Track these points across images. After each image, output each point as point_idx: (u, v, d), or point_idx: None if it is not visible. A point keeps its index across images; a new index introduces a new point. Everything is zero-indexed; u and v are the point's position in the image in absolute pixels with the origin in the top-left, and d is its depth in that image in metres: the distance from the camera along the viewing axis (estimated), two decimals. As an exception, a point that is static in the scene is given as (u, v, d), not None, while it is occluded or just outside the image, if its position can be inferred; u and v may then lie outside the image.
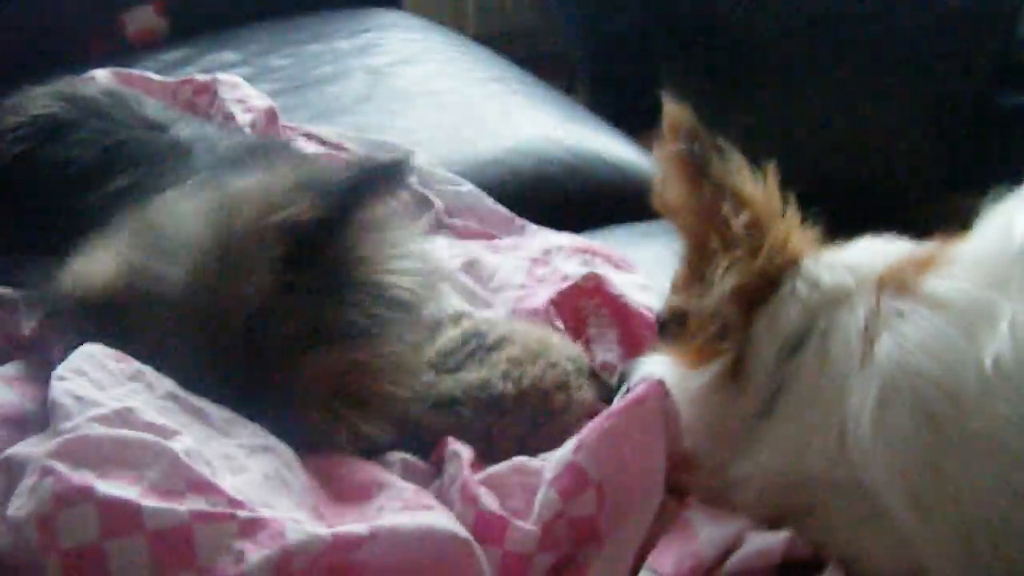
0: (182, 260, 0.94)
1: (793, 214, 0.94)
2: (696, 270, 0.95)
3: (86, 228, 1.06)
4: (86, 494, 0.77)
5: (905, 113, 2.29)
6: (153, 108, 1.29)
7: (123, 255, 0.97)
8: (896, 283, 0.87)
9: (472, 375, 1.02)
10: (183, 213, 0.99)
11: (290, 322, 0.92)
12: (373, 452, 0.97)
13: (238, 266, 0.92)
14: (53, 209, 1.16)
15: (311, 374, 0.93)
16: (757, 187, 0.93)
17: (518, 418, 1.01)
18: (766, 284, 0.91)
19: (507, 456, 0.96)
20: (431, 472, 0.98)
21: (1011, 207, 0.88)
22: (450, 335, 1.07)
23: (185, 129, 1.27)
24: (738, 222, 0.91)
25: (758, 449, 0.89)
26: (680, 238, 0.98)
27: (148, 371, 0.90)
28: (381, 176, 0.97)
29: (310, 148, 1.51)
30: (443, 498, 0.92)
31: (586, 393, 1.05)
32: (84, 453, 0.79)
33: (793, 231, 0.93)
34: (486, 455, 0.97)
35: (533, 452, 0.97)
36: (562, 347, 1.07)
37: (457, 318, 1.10)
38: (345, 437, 0.95)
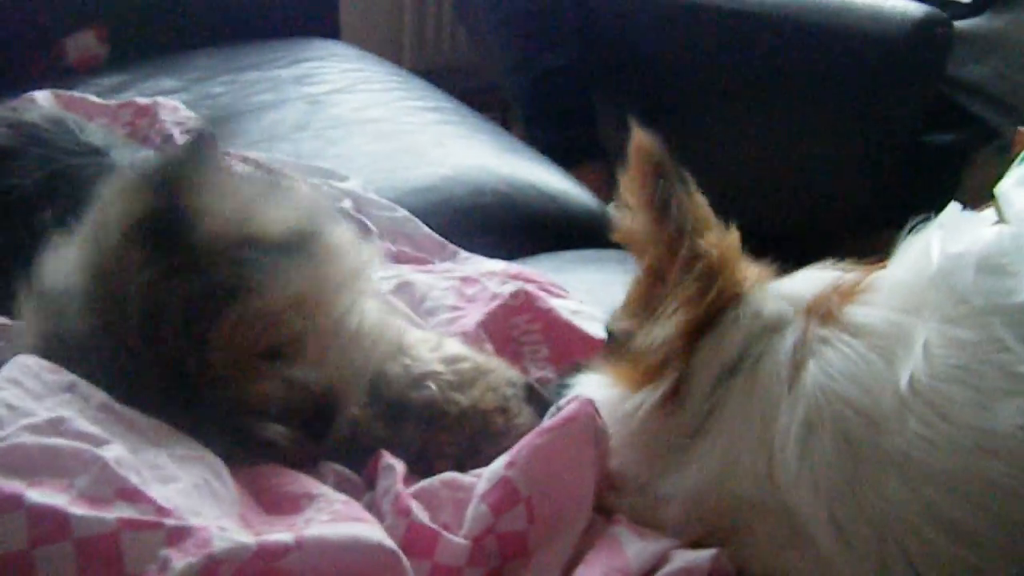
0: (77, 310, 0.96)
1: (747, 256, 0.95)
2: (648, 297, 0.96)
3: (27, 255, 1.06)
4: (16, 502, 0.76)
5: (838, 152, 2.32)
6: (94, 134, 1.29)
7: (35, 329, 0.99)
8: (822, 311, 0.88)
9: (415, 392, 1.02)
10: (62, 266, 1.00)
11: (179, 305, 0.93)
12: (309, 461, 0.98)
13: (119, 285, 0.93)
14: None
15: (220, 342, 0.94)
16: (717, 229, 0.94)
17: (457, 436, 1.01)
18: (712, 316, 0.92)
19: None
20: (363, 485, 0.98)
21: (927, 235, 0.90)
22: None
23: (123, 154, 1.27)
24: (693, 266, 0.92)
25: (688, 468, 0.90)
26: (636, 262, 0.99)
27: (82, 383, 0.90)
28: (195, 143, 0.98)
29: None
30: (375, 510, 0.92)
31: (524, 419, 1.05)
32: (16, 462, 0.79)
33: (746, 272, 0.94)
34: (422, 471, 0.98)
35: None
36: (502, 372, 1.08)
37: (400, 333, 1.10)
38: (279, 388, 0.95)
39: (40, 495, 0.77)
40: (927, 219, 0.92)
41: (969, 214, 0.93)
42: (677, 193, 0.93)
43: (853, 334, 0.86)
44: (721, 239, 0.93)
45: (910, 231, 0.92)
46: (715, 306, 0.92)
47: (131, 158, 1.25)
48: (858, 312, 0.87)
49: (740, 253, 0.95)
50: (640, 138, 0.95)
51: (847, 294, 0.89)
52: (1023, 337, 0.81)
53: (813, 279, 0.94)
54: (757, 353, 0.89)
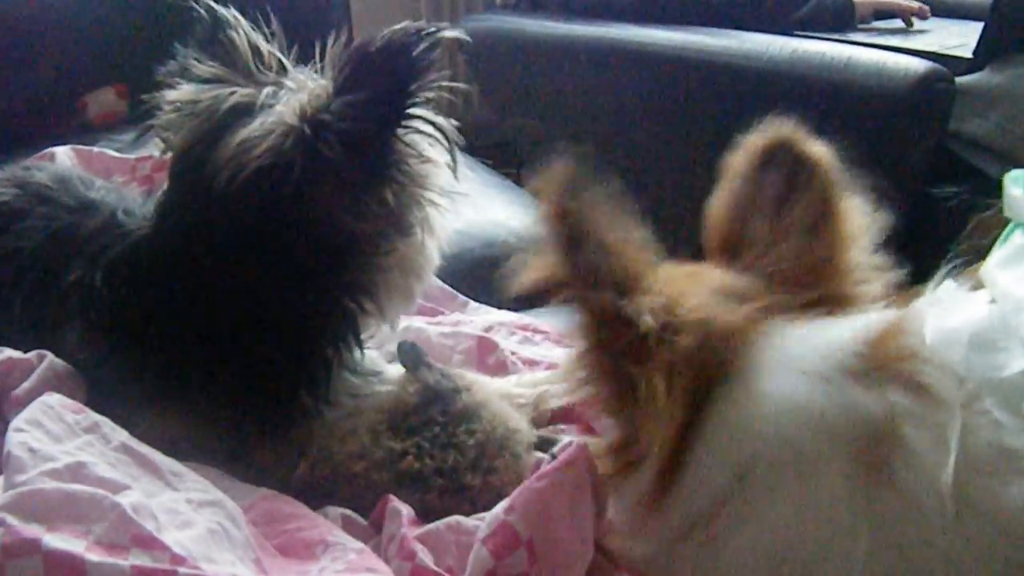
0: None
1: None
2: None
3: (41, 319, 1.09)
4: (34, 547, 0.77)
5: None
6: (100, 190, 1.26)
7: None
8: (897, 372, 0.82)
9: (440, 454, 1.04)
10: None
11: None
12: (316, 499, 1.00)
13: None
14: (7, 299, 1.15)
15: None
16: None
17: (477, 507, 1.02)
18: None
19: None
20: (370, 529, 0.99)
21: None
22: (408, 391, 1.08)
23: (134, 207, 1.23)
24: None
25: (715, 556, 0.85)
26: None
27: (104, 422, 0.91)
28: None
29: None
30: (381, 554, 0.93)
31: None
32: (35, 507, 0.80)
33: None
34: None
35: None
36: (525, 435, 1.09)
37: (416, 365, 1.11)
38: None
39: (57, 540, 0.78)
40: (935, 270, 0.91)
41: (964, 291, 0.91)
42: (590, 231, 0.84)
43: (940, 408, 0.80)
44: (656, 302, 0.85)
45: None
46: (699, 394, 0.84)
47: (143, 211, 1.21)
48: (931, 376, 0.82)
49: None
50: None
51: (899, 335, 0.84)
52: (1014, 410, 0.80)
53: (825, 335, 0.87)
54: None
